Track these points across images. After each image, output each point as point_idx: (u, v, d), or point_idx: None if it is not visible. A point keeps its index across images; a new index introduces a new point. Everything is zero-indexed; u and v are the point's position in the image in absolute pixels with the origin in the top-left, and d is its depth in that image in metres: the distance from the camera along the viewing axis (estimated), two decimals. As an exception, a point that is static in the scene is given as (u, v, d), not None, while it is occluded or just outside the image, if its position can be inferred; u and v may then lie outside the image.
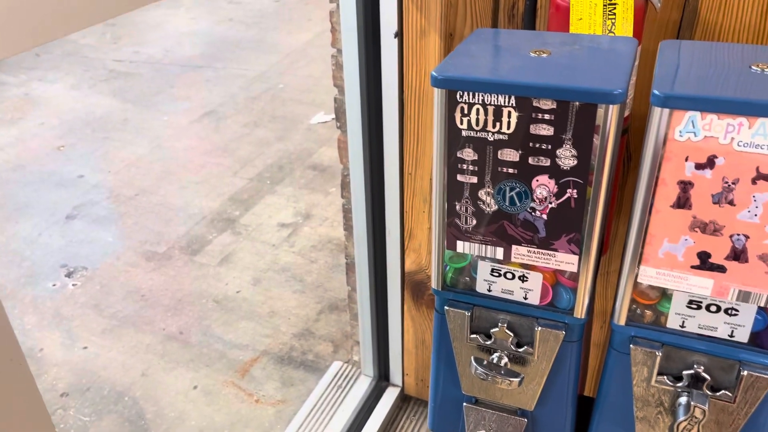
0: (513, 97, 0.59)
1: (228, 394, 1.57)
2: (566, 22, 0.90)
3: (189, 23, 3.93)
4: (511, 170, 0.62)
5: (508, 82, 0.58)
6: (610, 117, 0.57)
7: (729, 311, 0.61)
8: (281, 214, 2.17)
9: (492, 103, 0.60)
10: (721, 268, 0.59)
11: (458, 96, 0.61)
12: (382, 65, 1.14)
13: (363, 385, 1.38)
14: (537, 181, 0.62)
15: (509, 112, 0.60)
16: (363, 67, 1.17)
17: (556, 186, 0.62)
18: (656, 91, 0.54)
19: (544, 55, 0.63)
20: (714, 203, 0.57)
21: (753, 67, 0.58)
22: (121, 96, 3.05)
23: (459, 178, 0.65)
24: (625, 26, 0.88)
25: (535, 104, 0.59)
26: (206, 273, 1.97)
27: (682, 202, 0.58)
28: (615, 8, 0.87)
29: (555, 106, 0.58)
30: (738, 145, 0.54)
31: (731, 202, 0.57)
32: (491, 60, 0.63)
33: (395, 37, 1.15)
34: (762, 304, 0.59)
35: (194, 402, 1.55)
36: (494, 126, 0.61)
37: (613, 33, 0.88)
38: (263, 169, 2.40)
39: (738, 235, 0.58)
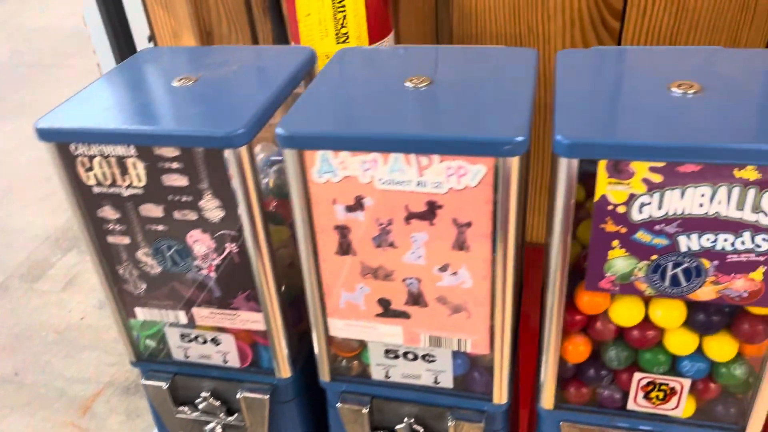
0: (132, 146, 0.49)
1: (65, 437, 1.45)
2: (296, 22, 0.80)
3: (38, 18, 3.63)
4: (160, 227, 0.53)
5: (111, 132, 0.48)
6: (239, 162, 0.47)
7: (426, 358, 0.54)
8: (133, 224, 2.02)
9: (112, 154, 0.50)
10: (404, 315, 0.52)
11: (73, 149, 0.50)
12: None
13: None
14: (191, 237, 0.53)
15: (134, 163, 0.50)
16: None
17: (213, 241, 0.52)
18: (278, 130, 0.45)
19: (189, 83, 0.53)
20: (377, 247, 0.49)
21: (407, 83, 0.49)
22: (-40, 109, 2.80)
23: (110, 239, 0.55)
24: (357, 20, 0.79)
25: (157, 152, 0.49)
26: (48, 301, 1.82)
27: (345, 248, 0.50)
28: (343, 0, 0.78)
29: (180, 153, 0.48)
30: (380, 183, 0.46)
31: (392, 245, 0.48)
32: (124, 100, 0.53)
33: (150, 41, 1.02)
34: (455, 348, 0.52)
35: (27, 452, 1.42)
36: (124, 180, 0.51)
37: (346, 29, 0.79)
38: (115, 175, 2.23)
39: (410, 278, 0.50)
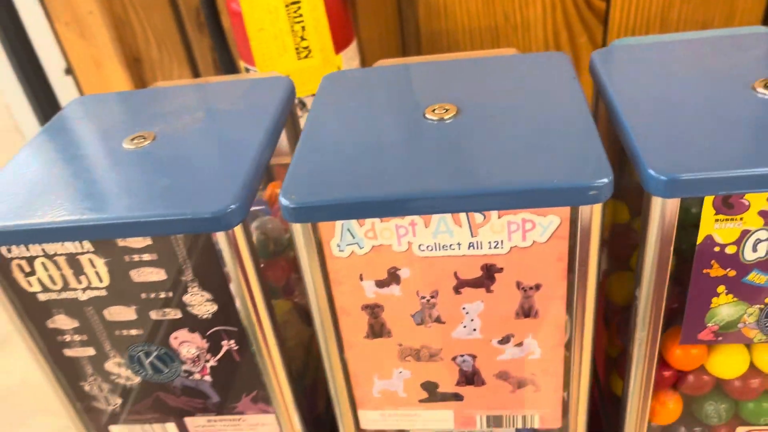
0: (87, 242, 0.37)
1: None
2: (246, 39, 0.68)
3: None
4: (134, 331, 0.41)
5: (56, 227, 0.36)
6: (234, 245, 0.36)
7: (484, 440, 0.45)
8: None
9: (60, 252, 0.38)
10: (456, 396, 0.42)
11: (5, 251, 0.38)
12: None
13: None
14: (176, 338, 0.41)
15: (91, 260, 0.38)
16: (40, 114, 0.89)
17: (205, 340, 0.41)
18: (283, 200, 0.34)
19: (146, 143, 0.41)
20: (418, 324, 0.39)
21: (428, 115, 0.39)
22: None
23: (69, 353, 0.43)
24: (319, 30, 0.68)
25: (122, 244, 0.37)
26: (-19, 367, 1.62)
27: (378, 331, 0.40)
28: (300, 8, 0.67)
29: (152, 242, 0.37)
30: (420, 249, 0.36)
31: (438, 320, 0.39)
32: (64, 178, 0.40)
33: (68, 74, 0.88)
34: (520, 426, 0.43)
35: None
36: (79, 281, 0.39)
37: (307, 41, 0.68)
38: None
39: (462, 356, 0.40)
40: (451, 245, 0.36)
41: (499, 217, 0.34)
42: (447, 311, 0.38)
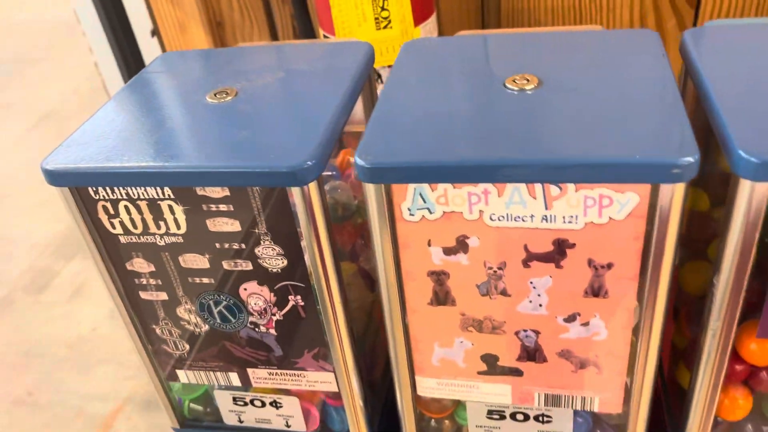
0: (167, 188, 0.38)
1: (88, 460, 1.36)
2: (327, 7, 0.69)
3: (19, 11, 3.47)
4: (206, 280, 0.43)
5: (140, 171, 0.37)
6: (308, 202, 0.37)
7: (540, 418, 0.44)
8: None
9: (142, 197, 0.39)
10: (516, 372, 0.42)
11: (92, 192, 0.40)
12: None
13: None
14: (245, 290, 0.43)
15: (170, 207, 0.39)
16: (126, 73, 0.93)
17: (273, 294, 0.42)
18: (358, 160, 0.35)
19: (228, 98, 0.42)
20: (483, 295, 0.39)
21: (508, 85, 0.39)
22: (-53, 110, 2.66)
23: (144, 296, 0.45)
24: (402, 5, 0.68)
25: (200, 193, 0.38)
26: (55, 314, 1.72)
27: (442, 298, 0.40)
28: (383, -22, 0.67)
29: (229, 193, 0.38)
30: (491, 219, 0.36)
31: (504, 292, 0.39)
32: (149, 128, 0.42)
33: (153, 36, 0.91)
34: (578, 408, 0.43)
35: (49, 479, 1.34)
36: (158, 227, 0.40)
37: (388, 11, 0.68)
38: (114, 173, 2.11)
39: (526, 331, 0.40)
40: (523, 217, 0.35)
41: (575, 191, 0.34)
42: (514, 284, 0.38)
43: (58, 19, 3.26)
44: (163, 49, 0.91)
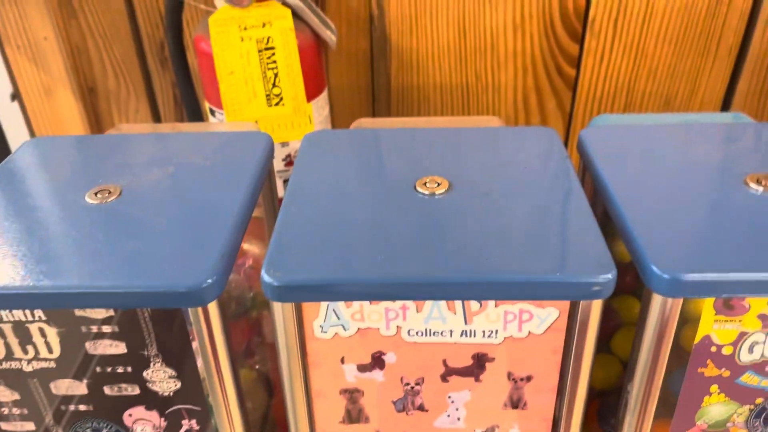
0: (36, 311, 0.33)
1: None
2: (215, 81, 0.66)
3: None
4: (82, 407, 0.37)
5: (6, 294, 0.32)
6: (208, 322, 0.33)
7: None
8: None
9: (5, 319, 0.34)
10: (431, 486, 0.40)
11: (-58, 317, 0.34)
12: (6, 135, 0.83)
13: None
14: (130, 416, 0.37)
15: (41, 329, 0.34)
16: (-19, 145, 0.83)
17: (164, 419, 0.37)
18: (267, 278, 0.32)
19: (111, 198, 0.38)
20: (399, 411, 0.37)
21: (419, 189, 0.38)
22: None
23: (5, 427, 0.38)
24: (292, 77, 0.66)
25: (80, 314, 0.34)
26: None
27: (355, 416, 0.37)
28: (274, 54, 0.65)
29: (114, 314, 0.34)
30: (409, 334, 0.34)
31: (422, 407, 0.36)
32: (16, 236, 0.36)
33: (13, 100, 0.83)
34: None
35: None
36: (25, 351, 0.35)
37: (279, 89, 0.66)
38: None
39: (442, 445, 0.38)
40: (442, 332, 0.34)
41: (495, 306, 0.32)
42: (431, 399, 0.36)
43: None
44: (25, 115, 0.83)
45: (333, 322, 0.33)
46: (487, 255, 0.32)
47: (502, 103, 0.78)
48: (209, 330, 0.33)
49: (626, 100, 0.77)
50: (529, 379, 0.35)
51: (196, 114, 0.77)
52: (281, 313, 0.33)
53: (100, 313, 0.33)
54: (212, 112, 0.71)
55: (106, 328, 0.34)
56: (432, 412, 0.36)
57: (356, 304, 0.33)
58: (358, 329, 0.34)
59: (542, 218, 0.35)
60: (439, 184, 0.38)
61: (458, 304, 0.32)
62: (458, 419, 0.37)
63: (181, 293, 0.32)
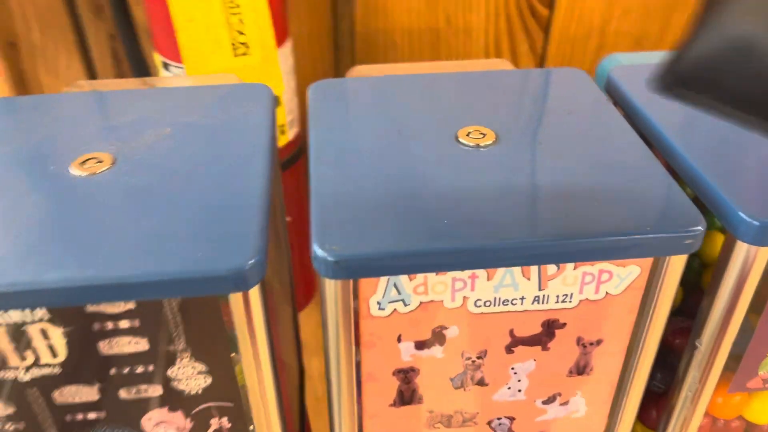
0: (38, 310, 0.27)
1: None
2: (170, 30, 0.58)
3: None
4: (93, 415, 0.32)
5: (5, 292, 0.26)
6: (248, 310, 0.28)
7: (503, 503, 0.40)
8: None
9: (1, 322, 0.28)
10: (482, 461, 0.37)
11: None
12: None
13: None
14: (150, 419, 0.32)
15: (43, 331, 0.28)
16: None
17: (190, 419, 0.33)
18: (320, 252, 0.27)
19: (103, 168, 0.32)
20: (456, 388, 0.33)
21: (461, 140, 0.33)
22: None
23: (-5, 446, 0.32)
24: (259, 23, 0.60)
25: (91, 310, 0.28)
26: None
27: (408, 398, 0.34)
28: (239, -4, 0.58)
29: (135, 307, 0.28)
30: (476, 305, 0.30)
31: (481, 382, 0.33)
32: (5, 222, 0.30)
33: None
34: (545, 486, 0.39)
35: None
36: (23, 358, 0.29)
37: (245, 36, 0.59)
38: None
39: (500, 419, 0.35)
40: (513, 300, 0.30)
41: (574, 269, 0.29)
42: (492, 373, 0.33)
43: None
44: (-64, 77, 0.72)
45: (392, 298, 0.29)
46: (566, 213, 0.29)
47: (473, 47, 0.75)
48: (249, 317, 0.29)
49: (598, 41, 0.75)
50: (599, 342, 0.32)
51: (141, 69, 0.69)
52: (335, 291, 0.28)
53: (117, 307, 0.28)
54: (166, 66, 0.63)
55: (124, 324, 0.28)
56: (492, 386, 0.33)
57: (420, 275, 0.29)
58: (420, 303, 0.30)
59: (608, 169, 0.32)
60: (484, 135, 0.34)
61: (533, 268, 0.29)
62: (519, 390, 0.34)
63: (220, 277, 0.27)
